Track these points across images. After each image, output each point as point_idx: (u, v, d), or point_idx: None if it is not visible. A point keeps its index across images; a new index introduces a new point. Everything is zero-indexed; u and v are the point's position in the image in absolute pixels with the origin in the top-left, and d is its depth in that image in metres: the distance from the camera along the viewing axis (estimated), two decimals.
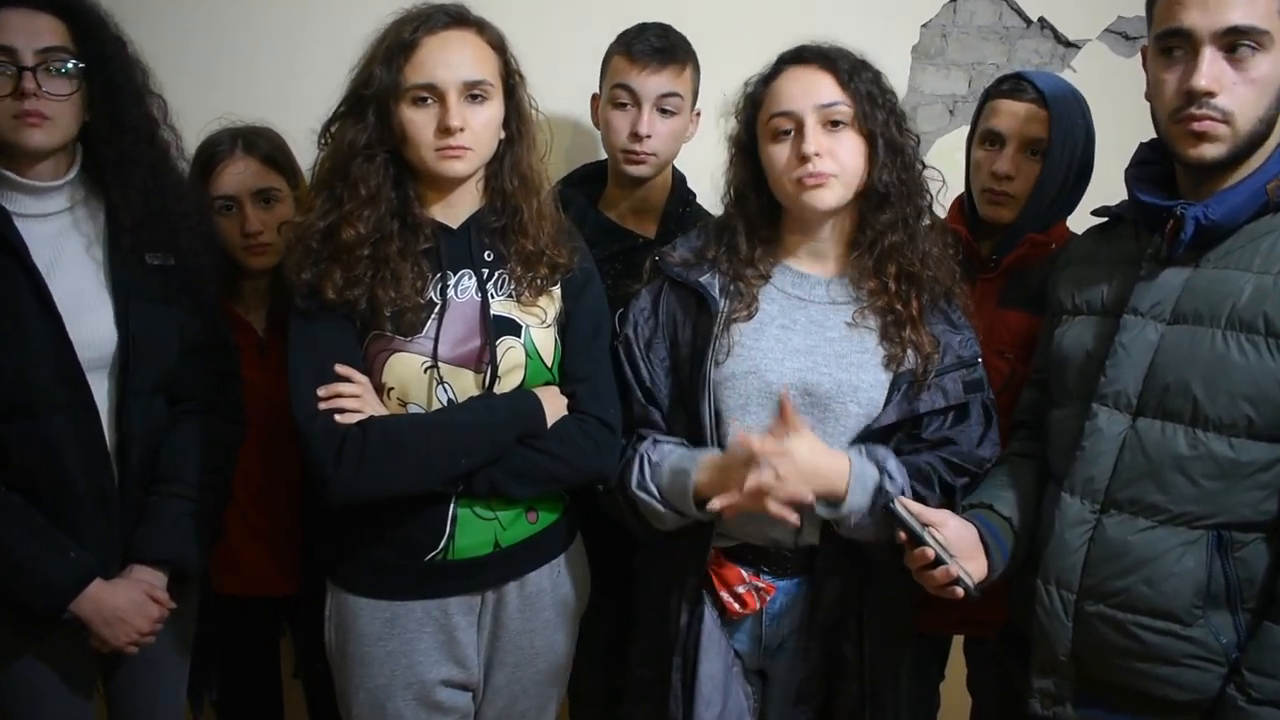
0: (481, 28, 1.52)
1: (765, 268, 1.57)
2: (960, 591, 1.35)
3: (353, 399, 1.46)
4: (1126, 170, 1.45)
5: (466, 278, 1.54)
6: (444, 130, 1.45)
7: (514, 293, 1.56)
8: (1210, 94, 1.26)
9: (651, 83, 1.89)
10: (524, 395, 1.55)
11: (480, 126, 1.48)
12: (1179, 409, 1.30)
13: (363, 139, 1.48)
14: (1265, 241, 1.30)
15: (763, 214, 1.58)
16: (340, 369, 1.47)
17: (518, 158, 1.57)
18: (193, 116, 1.76)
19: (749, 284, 1.56)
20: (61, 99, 1.48)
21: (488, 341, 1.52)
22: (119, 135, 1.55)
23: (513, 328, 1.55)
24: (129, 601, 1.55)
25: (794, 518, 1.41)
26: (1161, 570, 1.30)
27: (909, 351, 1.51)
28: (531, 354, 1.56)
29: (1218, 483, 1.28)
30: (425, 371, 1.50)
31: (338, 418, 1.43)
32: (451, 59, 1.46)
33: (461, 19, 1.50)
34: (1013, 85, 1.79)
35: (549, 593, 1.63)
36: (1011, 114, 1.77)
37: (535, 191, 1.58)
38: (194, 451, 1.64)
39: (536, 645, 1.64)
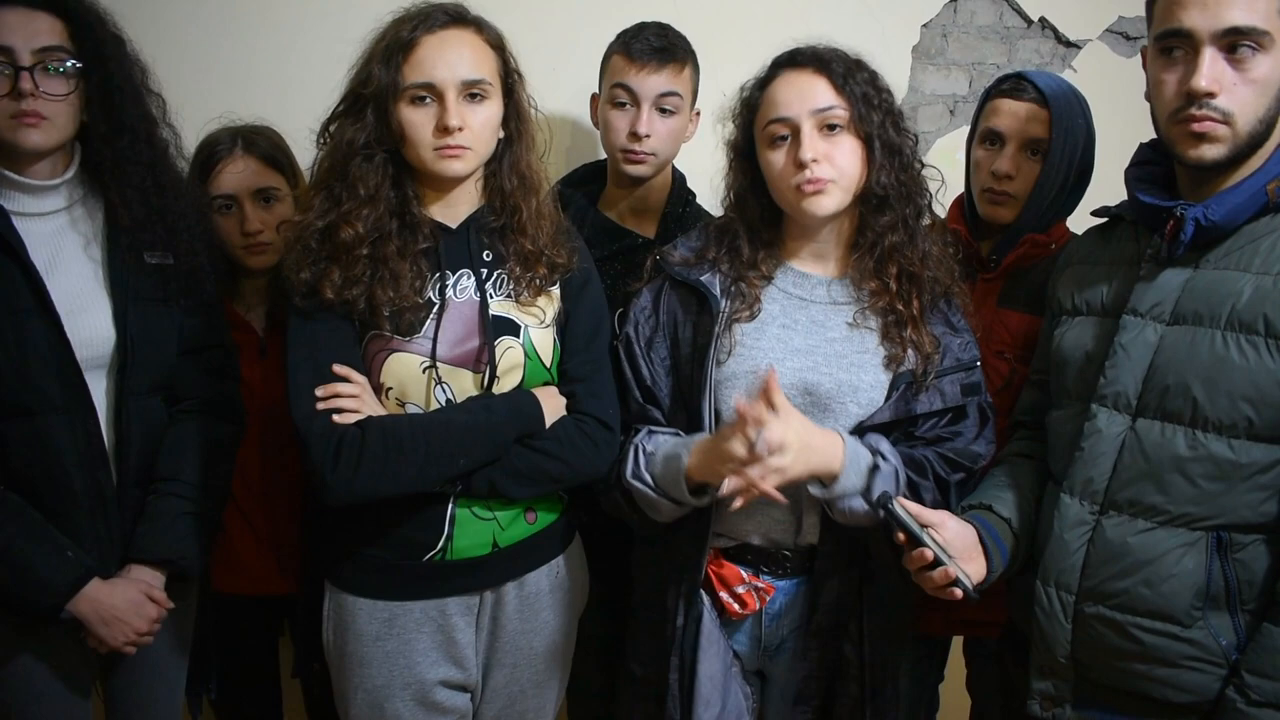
0: (480, 27, 1.52)
1: (768, 269, 1.57)
2: (959, 593, 1.34)
3: (351, 399, 1.45)
4: (1126, 170, 1.45)
5: (465, 277, 1.54)
6: (443, 129, 1.45)
7: (513, 293, 1.56)
8: (1210, 95, 1.26)
9: (651, 82, 1.88)
10: (523, 395, 1.55)
11: (479, 126, 1.48)
12: (1179, 410, 1.30)
13: (361, 138, 1.47)
14: (1265, 242, 1.29)
15: (763, 217, 1.58)
16: (338, 369, 1.47)
17: (517, 157, 1.57)
18: (192, 115, 1.76)
19: (752, 285, 1.55)
20: (59, 99, 1.48)
21: (486, 341, 1.52)
22: (117, 134, 1.54)
23: (511, 328, 1.54)
24: (127, 601, 1.55)
25: (781, 496, 1.38)
26: (1161, 572, 1.30)
27: (909, 351, 1.51)
28: (530, 354, 1.56)
29: (1217, 484, 1.28)
30: (424, 371, 1.49)
31: (336, 418, 1.43)
32: (450, 58, 1.46)
33: (460, 18, 1.50)
34: (1013, 85, 1.79)
35: (547, 593, 1.63)
36: (1012, 114, 1.77)
37: (534, 191, 1.58)
38: (192, 451, 1.64)
39: (535, 646, 1.64)
